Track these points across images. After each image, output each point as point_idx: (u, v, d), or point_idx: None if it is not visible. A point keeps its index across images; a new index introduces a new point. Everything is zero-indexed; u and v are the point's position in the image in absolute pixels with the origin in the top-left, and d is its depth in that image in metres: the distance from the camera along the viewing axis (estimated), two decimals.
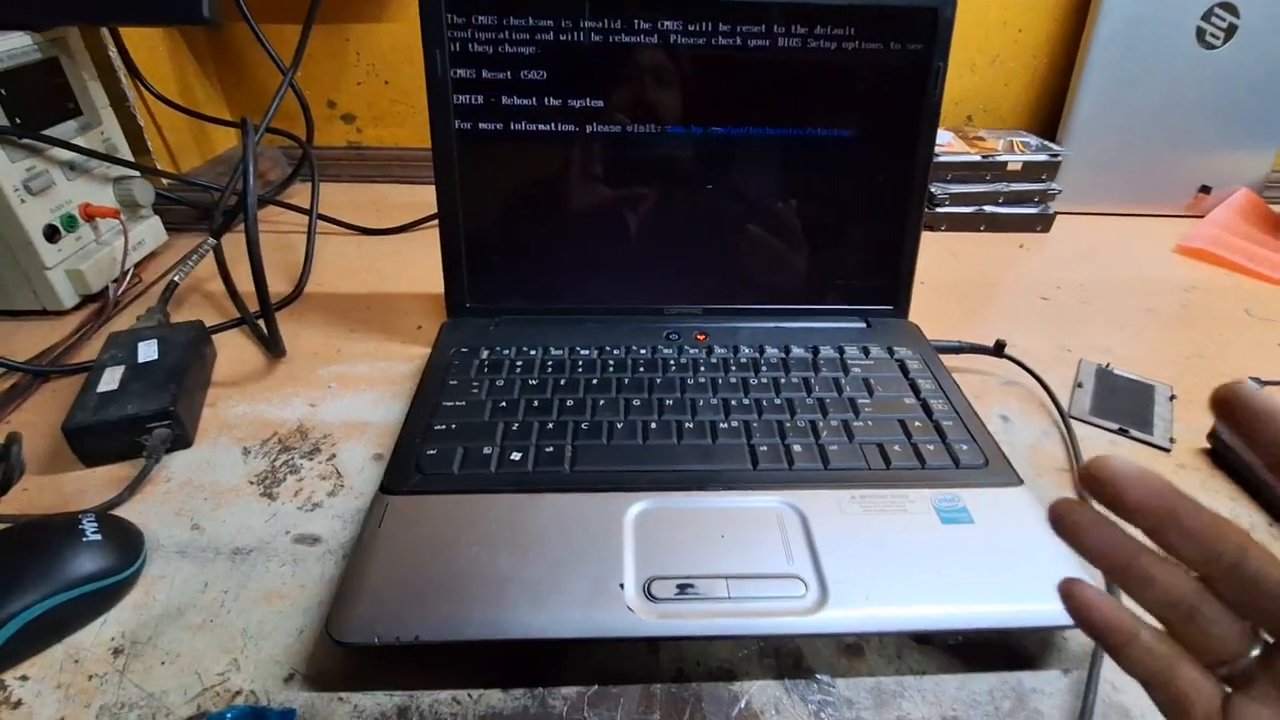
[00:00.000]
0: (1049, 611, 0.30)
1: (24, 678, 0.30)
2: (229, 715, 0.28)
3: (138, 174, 0.59)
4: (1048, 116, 0.84)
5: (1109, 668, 0.31)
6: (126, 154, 0.60)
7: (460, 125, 0.46)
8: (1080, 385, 0.49)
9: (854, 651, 0.32)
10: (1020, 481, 0.37)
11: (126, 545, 0.33)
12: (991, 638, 0.32)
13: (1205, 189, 0.78)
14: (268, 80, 0.80)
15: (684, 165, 0.48)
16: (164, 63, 0.71)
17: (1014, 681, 0.31)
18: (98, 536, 0.32)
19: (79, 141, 0.54)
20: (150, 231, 0.62)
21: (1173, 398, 0.48)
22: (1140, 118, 0.75)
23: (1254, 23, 0.70)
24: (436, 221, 0.48)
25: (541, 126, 0.46)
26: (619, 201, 0.49)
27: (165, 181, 0.67)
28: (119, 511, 0.37)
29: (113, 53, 0.63)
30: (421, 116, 0.81)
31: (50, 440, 0.41)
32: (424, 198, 0.72)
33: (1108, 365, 0.51)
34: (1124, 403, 0.48)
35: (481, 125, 0.46)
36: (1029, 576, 0.32)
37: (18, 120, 0.49)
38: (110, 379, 0.41)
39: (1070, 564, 0.32)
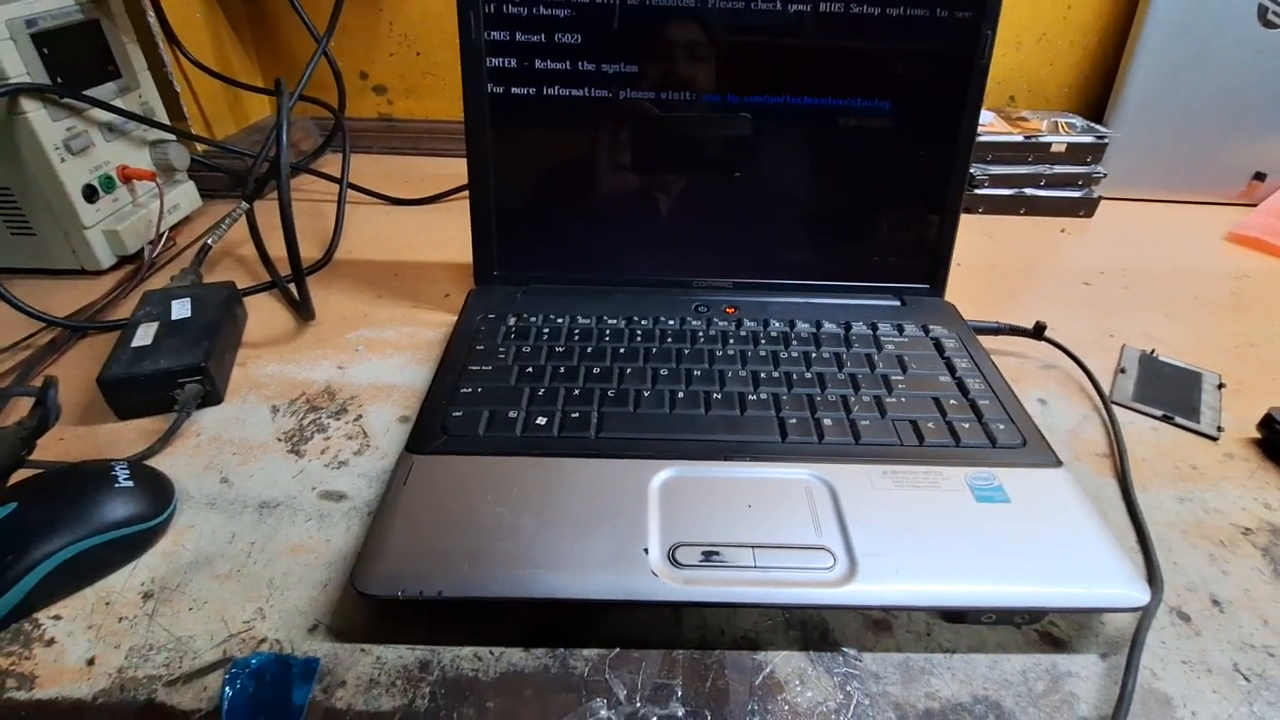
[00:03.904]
0: (1087, 593, 0.29)
1: (57, 617, 0.30)
2: (254, 661, 0.28)
3: (174, 138, 0.60)
4: (1095, 98, 0.81)
5: (1149, 654, 0.30)
6: (164, 119, 0.60)
7: (493, 89, 0.45)
8: (1123, 371, 0.48)
9: (882, 626, 0.31)
10: (1059, 463, 0.36)
11: (157, 493, 0.34)
12: (1026, 618, 0.31)
13: (1260, 176, 0.75)
14: (302, 50, 0.80)
15: (718, 135, 0.47)
16: (201, 29, 0.72)
17: (1048, 664, 0.30)
18: (130, 483, 0.33)
19: (118, 104, 0.54)
20: (185, 196, 0.62)
21: (1221, 386, 0.47)
22: (1194, 100, 0.72)
23: None
24: (465, 193, 0.48)
25: (575, 92, 0.45)
26: (650, 171, 0.48)
27: (200, 147, 0.68)
28: (150, 463, 0.37)
29: (151, 18, 0.64)
30: (452, 89, 0.82)
31: (85, 393, 0.42)
32: (453, 170, 0.72)
33: (1152, 351, 0.50)
34: (1169, 390, 0.46)
35: (514, 90, 0.45)
36: (1067, 558, 0.31)
37: (59, 79, 0.50)
38: (144, 335, 0.42)
39: (1111, 548, 0.31)
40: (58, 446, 0.39)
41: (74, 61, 0.51)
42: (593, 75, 0.45)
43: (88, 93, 0.52)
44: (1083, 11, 0.77)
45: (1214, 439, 0.42)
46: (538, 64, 0.45)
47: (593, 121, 0.46)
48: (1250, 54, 0.69)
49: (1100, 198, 0.72)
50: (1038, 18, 0.77)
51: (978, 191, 0.71)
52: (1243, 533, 0.36)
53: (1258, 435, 0.42)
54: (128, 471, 0.33)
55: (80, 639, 0.29)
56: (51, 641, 0.29)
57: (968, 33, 0.44)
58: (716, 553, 0.30)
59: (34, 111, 0.48)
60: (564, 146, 0.48)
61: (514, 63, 0.45)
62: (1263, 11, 0.68)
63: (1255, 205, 0.74)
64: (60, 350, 0.46)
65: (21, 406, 0.34)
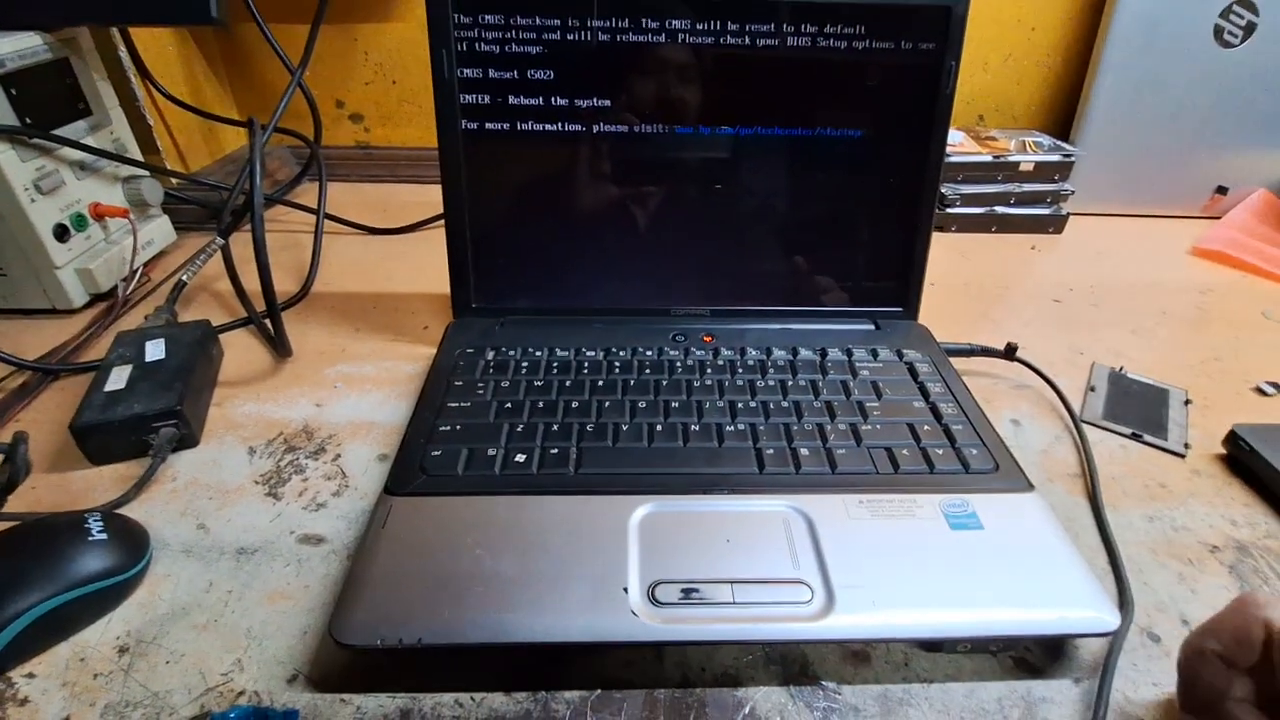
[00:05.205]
0: (1059, 619, 0.30)
1: (30, 675, 0.30)
2: (232, 715, 0.28)
3: (147, 173, 0.59)
4: (1061, 116, 0.83)
5: (1121, 677, 0.30)
6: (136, 154, 0.60)
7: (467, 125, 0.46)
8: (1093, 389, 0.49)
9: (860, 658, 0.31)
10: (1031, 487, 0.37)
11: (132, 544, 0.33)
12: (1001, 645, 0.31)
13: (1222, 190, 0.77)
14: (276, 80, 0.80)
15: (692, 165, 0.48)
16: (173, 63, 0.72)
17: (1023, 690, 0.30)
18: (103, 535, 0.32)
19: (89, 141, 0.54)
20: (159, 231, 0.62)
21: (1188, 402, 0.48)
22: (1156, 117, 0.74)
23: (1273, 20, 0.69)
24: (443, 222, 0.48)
25: (548, 126, 0.46)
26: (626, 202, 0.48)
27: (174, 181, 0.67)
28: (125, 510, 0.37)
29: (123, 53, 0.64)
30: (429, 116, 0.81)
31: (58, 439, 0.41)
32: (431, 197, 0.73)
33: (1121, 369, 0.51)
34: (1137, 407, 0.47)
35: (488, 125, 0.46)
36: (1039, 584, 0.31)
37: (28, 120, 0.49)
38: (118, 378, 0.42)
39: (1082, 573, 0.32)
40: (30, 495, 0.38)
41: (43, 101, 0.51)
42: (566, 110, 0.45)
43: (58, 131, 0.52)
44: (1047, 33, 0.79)
45: (1181, 456, 0.43)
46: (511, 100, 0.45)
47: (567, 155, 0.47)
48: (1208, 72, 0.71)
49: (1069, 214, 0.73)
50: (1004, 39, 0.79)
51: (950, 210, 0.72)
52: (1210, 550, 0.37)
53: (1223, 451, 0.43)
54: (101, 523, 0.33)
55: (55, 697, 0.29)
56: (25, 701, 0.29)
57: (932, 64, 0.45)
58: (696, 590, 0.31)
59: (2, 153, 0.47)
60: (539, 180, 0.48)
61: (487, 99, 0.45)
62: (1219, 31, 0.70)
63: (1218, 218, 0.76)
64: (32, 394, 0.46)
65: None
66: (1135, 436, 0.45)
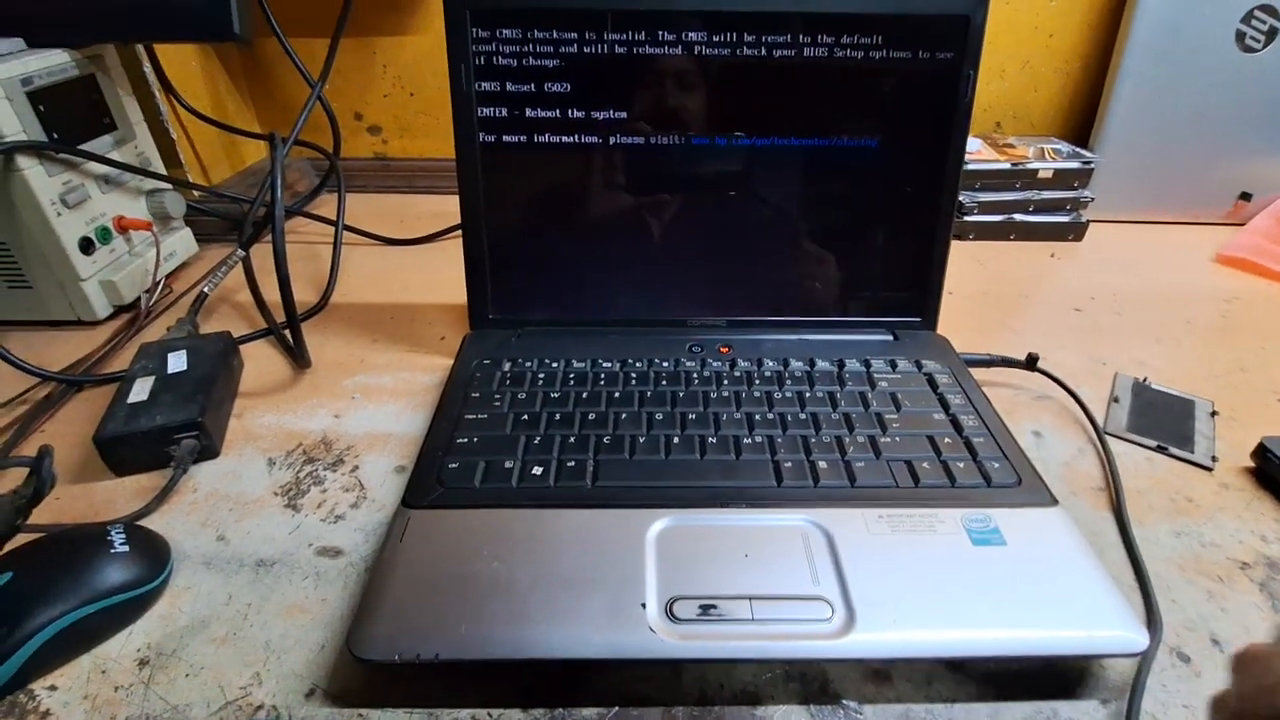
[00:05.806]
0: (1087, 639, 0.29)
1: (52, 688, 0.30)
2: None
3: (170, 187, 0.60)
4: (1080, 123, 0.82)
5: (1151, 698, 0.30)
6: (159, 167, 0.61)
7: (484, 138, 0.46)
8: (1116, 400, 0.48)
9: (882, 677, 0.31)
10: (1055, 501, 0.36)
11: (154, 557, 0.34)
12: (1026, 665, 0.31)
13: (1246, 196, 0.76)
14: (296, 93, 0.81)
15: (708, 176, 0.48)
16: (196, 77, 0.73)
17: (1049, 711, 0.29)
18: (125, 548, 0.33)
19: (114, 155, 0.55)
20: (182, 243, 0.63)
21: (1214, 413, 0.47)
22: (1177, 123, 0.73)
23: None
24: (460, 233, 0.48)
25: (565, 138, 0.46)
26: (642, 213, 0.48)
27: (196, 194, 0.68)
28: (146, 522, 0.37)
29: (147, 68, 0.65)
30: (446, 128, 0.82)
31: (82, 450, 0.42)
32: (448, 208, 0.73)
33: (1145, 379, 0.50)
34: (1162, 419, 0.46)
35: (505, 138, 0.46)
36: (1065, 602, 0.31)
37: (55, 135, 0.50)
38: (140, 390, 0.42)
39: (1109, 591, 0.31)
40: (54, 506, 0.39)
41: (70, 116, 0.52)
42: (582, 122, 0.46)
43: (84, 146, 0.52)
44: (1064, 39, 0.78)
45: (1209, 469, 0.42)
46: (528, 112, 0.45)
47: (583, 167, 0.47)
48: (1229, 77, 0.70)
49: (1089, 221, 0.72)
50: (1021, 46, 0.79)
51: (967, 218, 0.72)
52: (1240, 567, 0.36)
53: (1252, 464, 0.42)
54: (123, 535, 0.33)
55: (76, 710, 0.29)
56: (47, 714, 0.29)
57: (950, 73, 0.45)
58: (714, 606, 0.30)
59: (30, 168, 0.48)
60: (556, 191, 0.48)
61: (504, 112, 0.45)
62: (1240, 36, 0.69)
63: (1242, 225, 0.75)
64: (56, 405, 0.46)
65: (16, 471, 0.34)
66: (1160, 449, 0.44)
